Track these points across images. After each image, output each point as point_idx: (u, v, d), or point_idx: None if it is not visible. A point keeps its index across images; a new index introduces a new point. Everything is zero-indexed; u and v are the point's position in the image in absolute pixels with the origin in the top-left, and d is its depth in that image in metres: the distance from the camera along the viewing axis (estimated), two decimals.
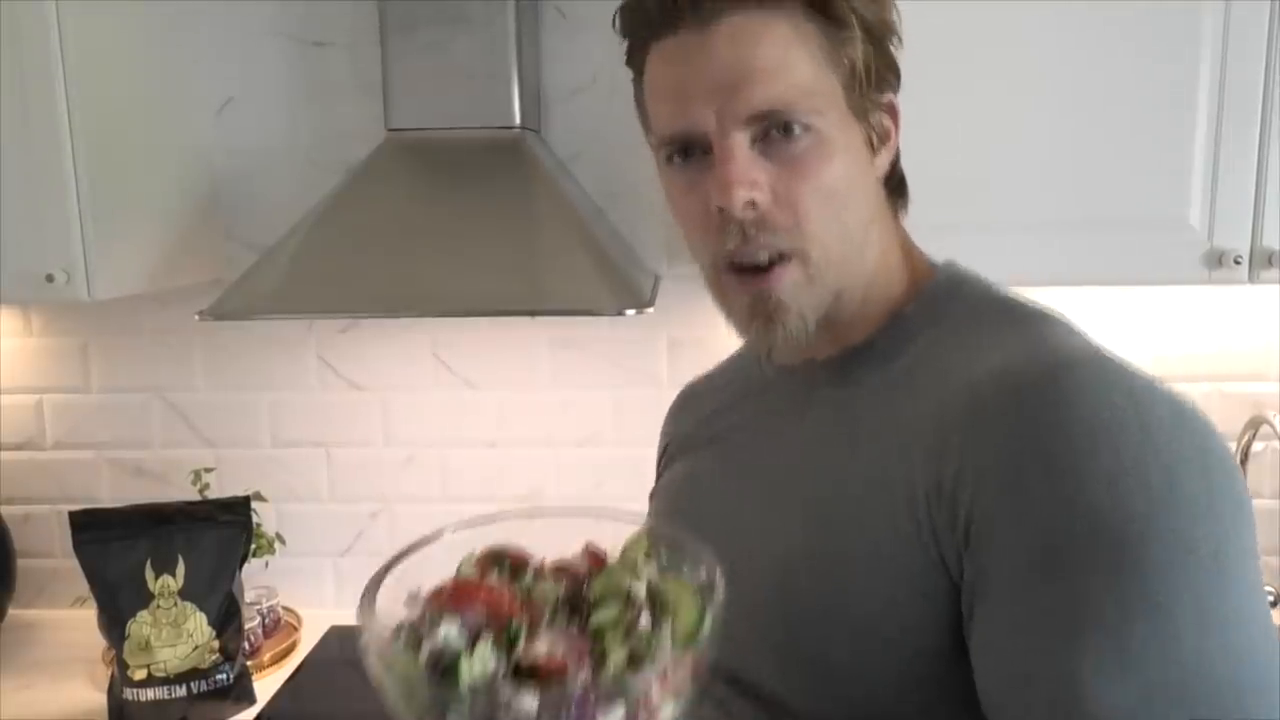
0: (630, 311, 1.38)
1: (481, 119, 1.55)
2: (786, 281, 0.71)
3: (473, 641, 0.55)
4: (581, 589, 0.60)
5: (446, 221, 1.50)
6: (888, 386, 0.74)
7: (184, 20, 1.70)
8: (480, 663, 0.54)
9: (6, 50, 1.40)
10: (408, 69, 1.55)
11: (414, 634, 0.56)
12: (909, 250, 0.81)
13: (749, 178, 0.69)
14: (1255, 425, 1.63)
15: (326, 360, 1.85)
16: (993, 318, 0.74)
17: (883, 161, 0.76)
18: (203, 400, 1.87)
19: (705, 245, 0.74)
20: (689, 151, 0.72)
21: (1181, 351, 1.75)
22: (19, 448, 1.90)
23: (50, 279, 1.44)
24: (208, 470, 1.80)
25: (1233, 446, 1.66)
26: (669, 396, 1.76)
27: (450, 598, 0.58)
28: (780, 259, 0.71)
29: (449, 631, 0.55)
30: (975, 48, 1.38)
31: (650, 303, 1.41)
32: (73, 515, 1.51)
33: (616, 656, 0.54)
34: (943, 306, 0.77)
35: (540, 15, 1.70)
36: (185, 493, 1.76)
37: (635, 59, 0.76)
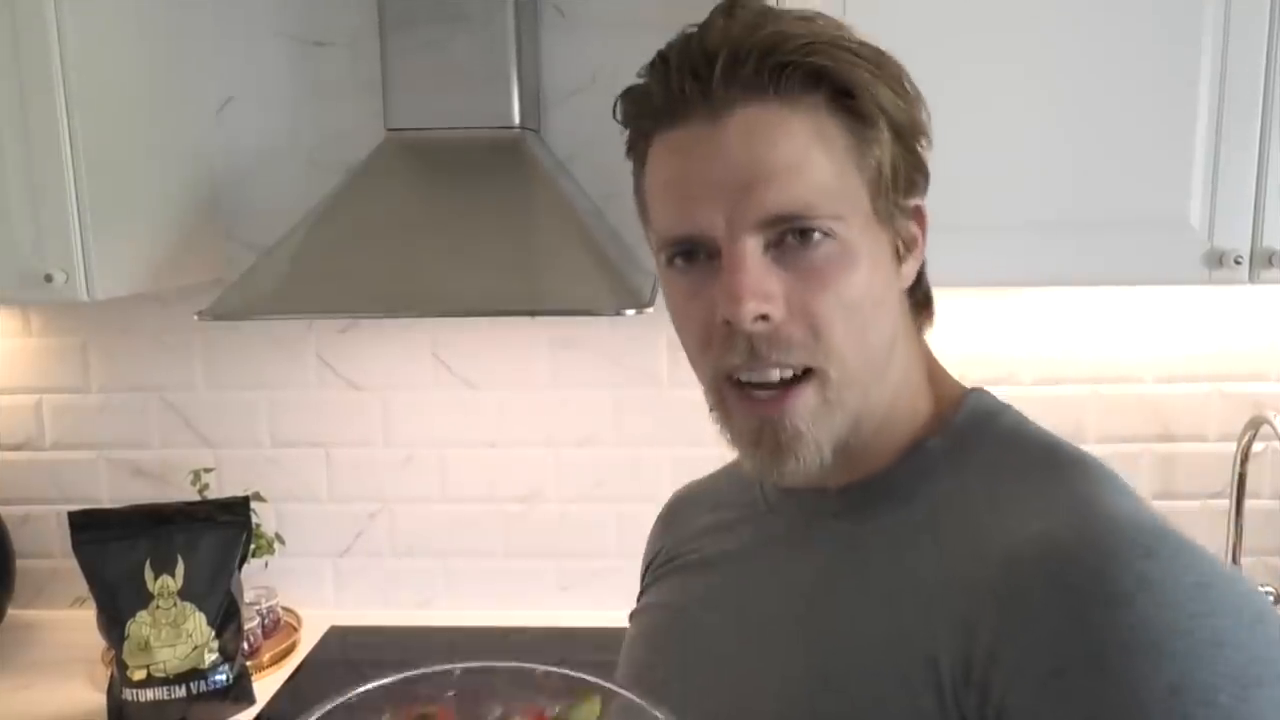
0: (629, 311, 1.38)
1: (481, 119, 1.55)
2: (801, 407, 0.63)
3: None
4: None
5: (446, 221, 1.50)
6: (906, 530, 0.66)
7: (184, 20, 1.70)
8: None
9: (6, 50, 1.39)
10: (407, 68, 1.55)
11: None
12: (934, 371, 0.74)
13: (761, 289, 0.61)
14: (1255, 425, 1.63)
15: (326, 360, 1.85)
16: (1029, 465, 0.66)
17: (909, 271, 0.69)
18: (202, 400, 1.87)
19: (707, 359, 0.66)
20: (693, 254, 0.64)
21: (1181, 351, 1.74)
22: (18, 448, 1.90)
23: (49, 279, 1.44)
24: (207, 470, 1.80)
25: (1232, 447, 1.67)
26: (669, 396, 1.77)
27: None
28: (795, 378, 0.63)
29: None
30: (974, 48, 1.38)
31: (650, 302, 1.41)
32: (72, 515, 1.51)
33: None
34: (971, 443, 0.69)
35: (540, 15, 1.70)
36: (184, 493, 1.75)
37: (637, 149, 0.69)
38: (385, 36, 1.55)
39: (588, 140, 1.71)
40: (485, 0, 1.52)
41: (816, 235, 0.62)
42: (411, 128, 1.56)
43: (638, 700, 0.56)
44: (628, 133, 0.69)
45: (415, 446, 1.86)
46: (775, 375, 0.63)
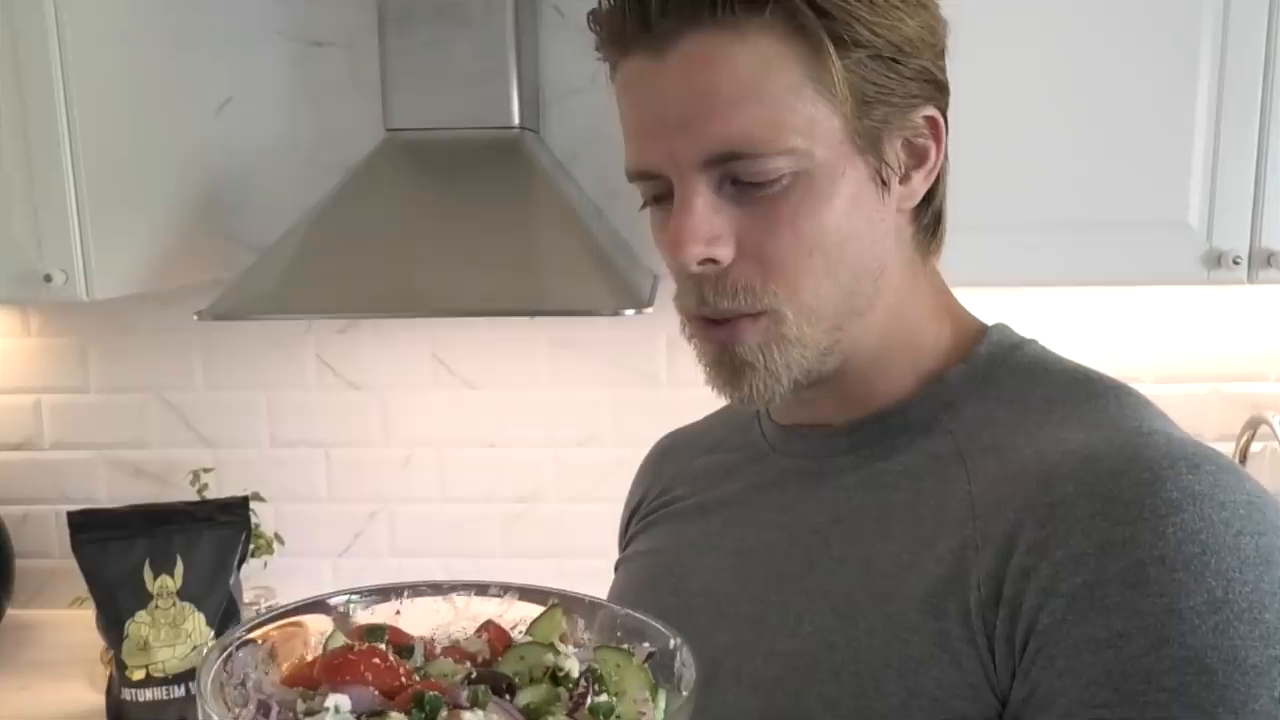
0: (629, 311, 1.38)
1: (480, 119, 1.55)
2: (750, 338, 0.61)
3: None
4: (491, 671, 0.48)
5: (446, 221, 1.50)
6: (931, 461, 0.62)
7: (183, 20, 1.70)
8: None
9: (6, 50, 1.39)
10: (407, 68, 1.55)
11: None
12: (947, 304, 0.69)
13: (706, 232, 0.59)
14: (1254, 425, 1.63)
15: (325, 360, 1.85)
16: (1059, 391, 0.63)
17: (913, 190, 0.63)
18: (201, 400, 1.87)
19: (677, 290, 0.65)
20: (661, 186, 0.62)
21: (1181, 352, 1.75)
22: (17, 448, 1.90)
23: (49, 279, 1.44)
24: (206, 470, 1.79)
25: (1231, 447, 1.67)
26: (668, 396, 1.77)
27: (325, 672, 0.44)
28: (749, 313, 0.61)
29: (338, 703, 0.42)
30: (974, 49, 1.37)
31: (649, 303, 1.41)
32: (71, 515, 1.51)
33: None
34: (996, 373, 0.65)
35: (539, 15, 1.70)
36: (184, 493, 1.75)
37: (612, 75, 0.65)
38: (384, 36, 1.55)
39: (587, 140, 1.71)
40: (485, 0, 1.52)
41: (768, 171, 0.58)
42: (411, 128, 1.56)
43: (596, 601, 0.54)
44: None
45: (415, 446, 1.86)
46: (730, 312, 0.61)
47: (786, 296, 0.60)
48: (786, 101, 0.58)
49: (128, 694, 1.48)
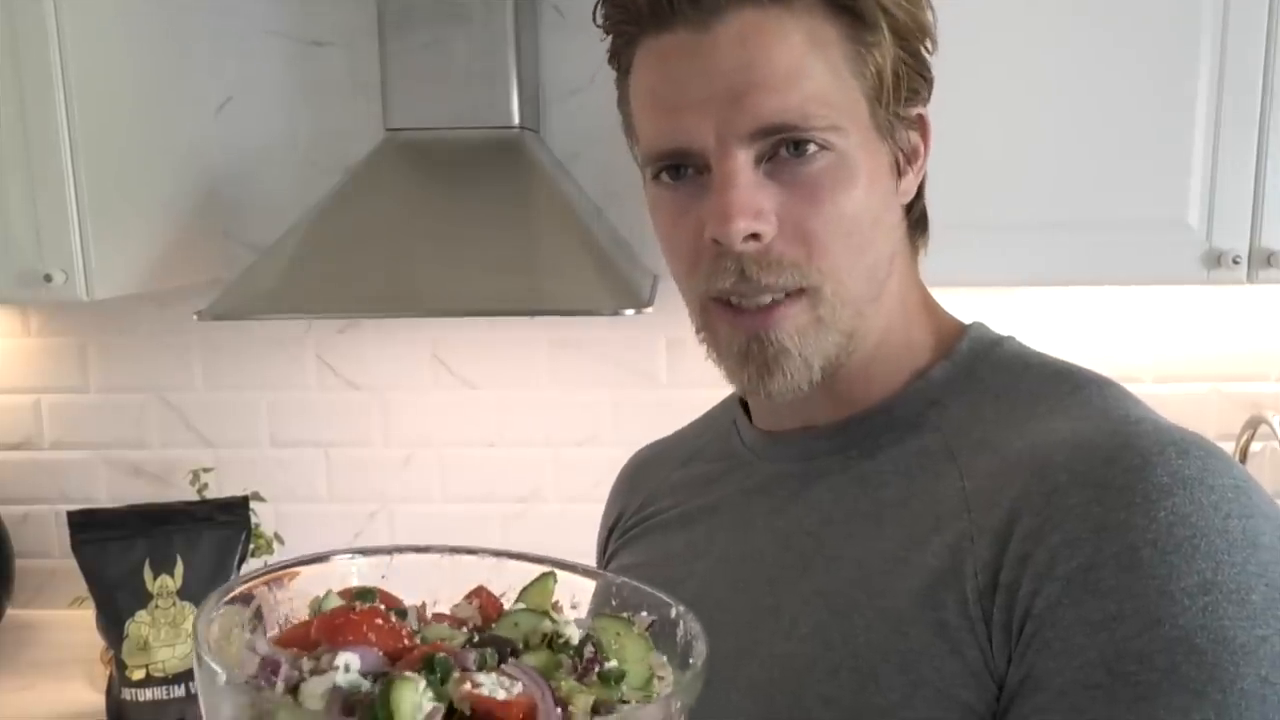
0: (629, 311, 1.38)
1: (480, 119, 1.55)
2: (789, 324, 0.60)
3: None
4: (494, 635, 0.48)
5: (446, 221, 1.50)
6: (921, 458, 0.63)
7: (182, 20, 1.70)
8: (414, 696, 0.39)
9: (6, 50, 1.39)
10: (406, 68, 1.55)
11: (288, 681, 0.41)
12: (929, 301, 0.70)
13: (753, 206, 0.58)
14: (1254, 425, 1.63)
15: (325, 360, 1.85)
16: (1043, 384, 0.63)
17: (909, 185, 0.65)
18: (201, 400, 1.87)
19: (694, 280, 0.63)
20: (681, 169, 0.62)
21: (1181, 351, 1.75)
22: (17, 447, 1.90)
23: (49, 279, 1.44)
24: (206, 470, 1.79)
25: (1231, 446, 1.67)
26: (668, 396, 1.77)
27: (325, 632, 0.43)
28: (786, 295, 0.60)
29: (348, 661, 0.41)
30: (974, 49, 1.38)
31: (649, 302, 1.41)
32: (71, 515, 1.51)
33: (582, 701, 0.42)
34: (977, 370, 0.66)
35: (539, 15, 1.70)
36: (184, 493, 1.75)
37: (621, 57, 0.65)
38: (384, 36, 1.55)
39: (587, 140, 1.71)
40: (485, 0, 1.52)
41: (812, 147, 0.59)
42: (411, 127, 1.56)
43: (591, 569, 0.53)
44: (610, 38, 0.65)
45: (415, 446, 1.86)
46: (767, 298, 0.60)
47: (827, 273, 0.60)
48: (830, 80, 0.59)
49: (128, 694, 1.48)
